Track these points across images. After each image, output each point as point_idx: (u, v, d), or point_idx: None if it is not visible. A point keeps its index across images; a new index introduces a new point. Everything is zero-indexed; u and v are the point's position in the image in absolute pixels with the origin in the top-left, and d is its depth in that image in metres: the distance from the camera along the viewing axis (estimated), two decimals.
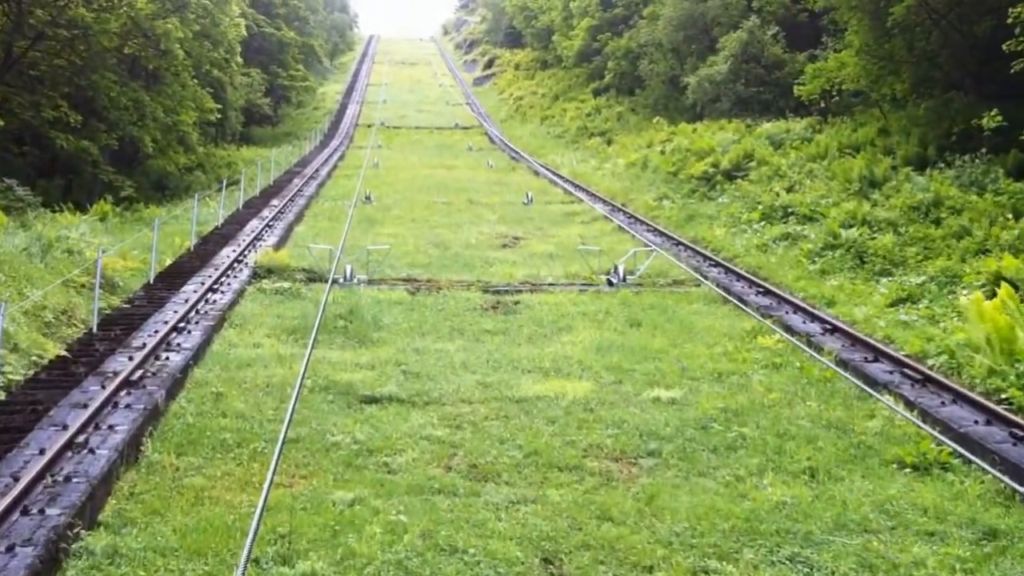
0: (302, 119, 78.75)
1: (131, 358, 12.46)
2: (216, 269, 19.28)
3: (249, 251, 21.81)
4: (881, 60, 25.27)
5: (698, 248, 22.65)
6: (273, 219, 26.82)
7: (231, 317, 16.19)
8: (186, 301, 16.30)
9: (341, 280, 19.19)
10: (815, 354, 12.57)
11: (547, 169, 43.87)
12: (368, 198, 33.19)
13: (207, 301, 16.57)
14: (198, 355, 13.61)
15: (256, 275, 19.44)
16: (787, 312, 16.24)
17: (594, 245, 25.06)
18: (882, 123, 26.80)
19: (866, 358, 13.50)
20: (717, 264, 20.64)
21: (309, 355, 11.85)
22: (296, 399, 9.59)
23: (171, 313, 15.42)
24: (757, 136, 30.53)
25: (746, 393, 12.60)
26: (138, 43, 33.31)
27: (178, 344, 13.67)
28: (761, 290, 17.83)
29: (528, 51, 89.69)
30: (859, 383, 10.68)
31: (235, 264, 20.05)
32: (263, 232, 24.49)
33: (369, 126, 68.85)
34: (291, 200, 31.35)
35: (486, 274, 20.93)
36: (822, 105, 30.86)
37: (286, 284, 18.57)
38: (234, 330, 15.55)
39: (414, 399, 12.32)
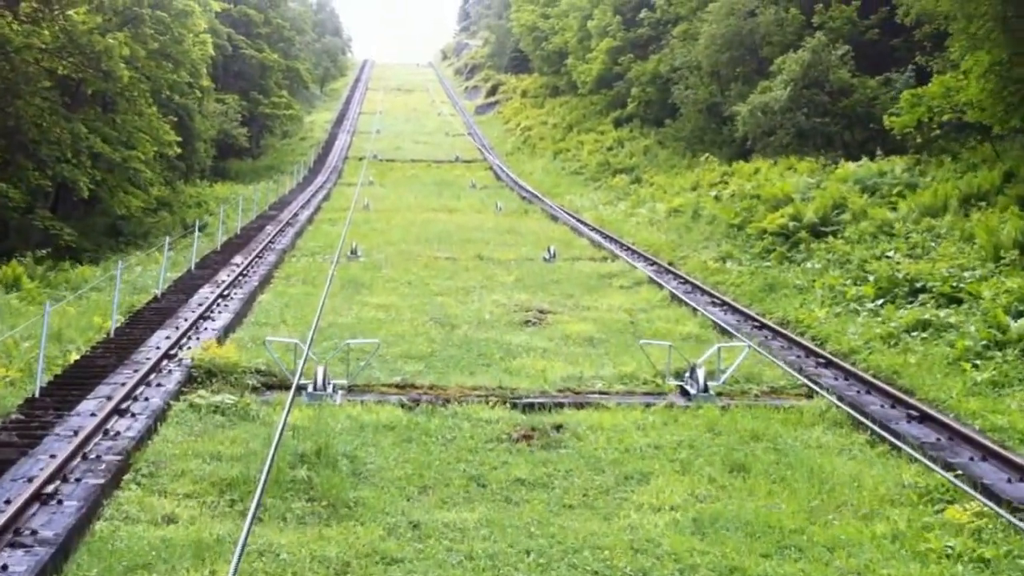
0: (287, 151, 74.67)
1: None
2: (136, 371, 14.59)
3: (189, 338, 17.13)
4: (1018, 84, 20.74)
5: (792, 335, 17.93)
6: (231, 285, 22.18)
7: (139, 461, 11.45)
8: (75, 433, 11.62)
9: (310, 388, 14.49)
10: None
11: (566, 213, 39.34)
12: (355, 251, 28.57)
13: (107, 433, 11.86)
14: (66, 549, 8.92)
15: (192, 379, 14.75)
16: (972, 458, 11.49)
17: (643, 320, 20.50)
18: (1008, 164, 22.23)
19: None
20: (828, 363, 15.92)
21: (242, 548, 7.27)
22: None
23: (43, 461, 10.72)
24: (840, 179, 25.93)
25: None
26: (74, 62, 28.84)
27: (33, 532, 8.97)
28: (913, 412, 13.08)
29: (536, 76, 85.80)
30: None
31: (164, 361, 15.35)
32: (214, 306, 19.83)
33: (360, 159, 64.61)
34: (259, 256, 26.73)
35: (509, 373, 16.22)
36: (918, 140, 26.31)
37: (231, 397, 13.82)
38: (138, 488, 10.82)
39: None
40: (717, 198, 29.51)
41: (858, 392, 14.28)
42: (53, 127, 28.44)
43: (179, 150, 36.29)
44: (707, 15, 44.14)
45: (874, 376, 15.06)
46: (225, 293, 21.07)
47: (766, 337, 17.99)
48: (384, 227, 35.84)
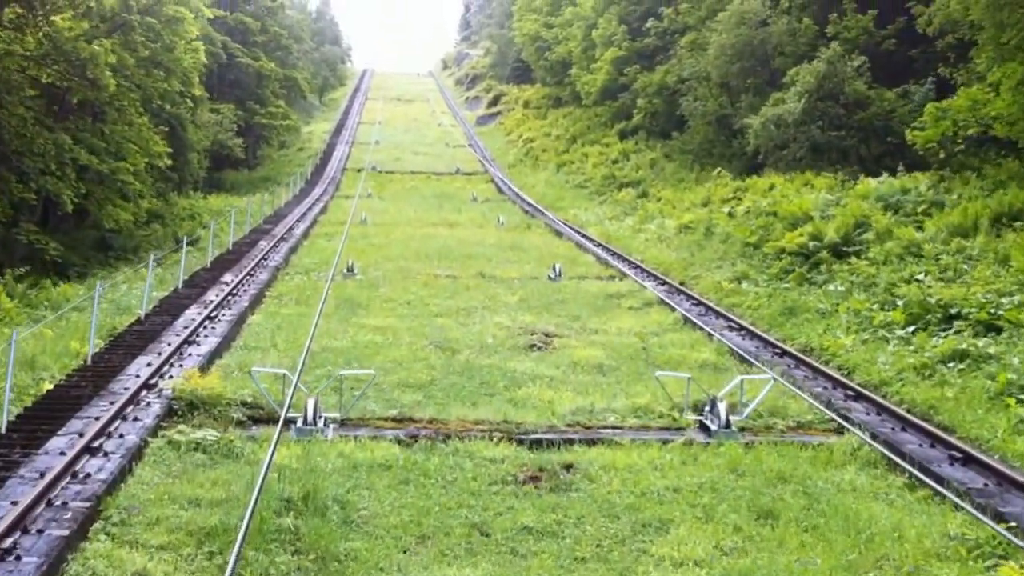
0: (284, 162, 73.97)
1: None
2: (112, 402, 13.72)
3: (172, 365, 16.26)
4: None
5: (817, 364, 17.05)
6: (220, 305, 21.32)
7: (109, 507, 10.57)
8: (41, 476, 10.77)
9: (300, 423, 13.61)
10: None
11: (571, 228, 38.50)
12: (351, 269, 27.72)
13: (76, 475, 10.99)
14: None
15: (172, 413, 13.88)
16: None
17: (656, 345, 19.65)
18: None
19: None
20: (858, 395, 15.03)
21: None
22: None
23: (3, 508, 9.87)
24: (860, 196, 25.05)
25: None
26: (58, 70, 28.03)
27: None
28: (956, 453, 12.19)
29: (538, 87, 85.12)
30: None
31: (143, 392, 14.48)
32: (201, 329, 18.96)
33: (359, 170, 63.89)
34: (250, 274, 25.88)
35: (515, 404, 15.36)
36: (941, 155, 25.47)
37: (213, 433, 12.94)
38: (108, 540, 9.94)
39: None
40: (731, 215, 28.63)
41: (893, 429, 13.39)
42: (36, 138, 27.61)
43: (170, 161, 35.41)
44: (716, 24, 43.40)
45: (908, 410, 14.18)
46: (213, 314, 20.20)
47: (788, 366, 17.10)
48: (382, 242, 35.03)
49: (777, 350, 18.28)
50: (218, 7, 66.28)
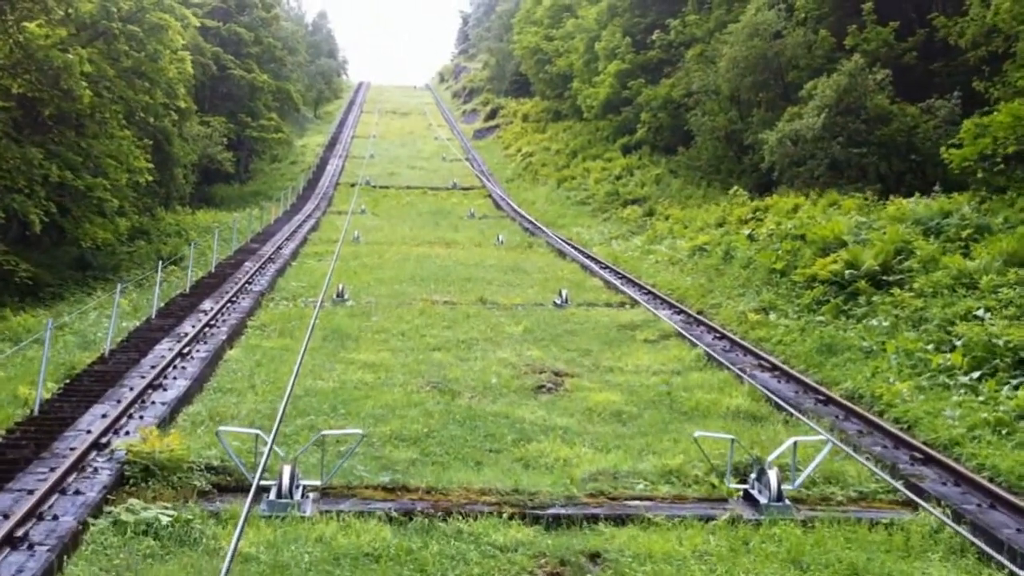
0: (276, 176, 71.80)
1: None
2: (53, 467, 11.54)
3: (131, 416, 14.06)
4: None
5: (871, 416, 14.85)
6: (195, 339, 19.13)
7: None
8: None
9: (273, 494, 11.40)
10: None
11: (574, 248, 36.34)
12: (341, 295, 25.56)
13: None
14: None
15: (124, 480, 11.68)
16: None
17: (679, 386, 17.51)
18: None
19: None
20: (927, 458, 12.84)
21: None
22: None
23: None
24: (894, 219, 22.87)
25: None
26: (29, 80, 25.87)
27: None
28: None
29: (537, 100, 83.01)
30: None
31: (92, 454, 12.28)
32: (170, 368, 16.77)
33: (352, 185, 61.62)
34: (232, 301, 23.67)
35: (525, 465, 13.21)
36: (978, 175, 23.34)
37: (169, 512, 10.72)
38: None
39: None
40: (751, 237, 26.39)
41: (979, 506, 11.21)
42: (4, 152, 25.42)
43: (150, 177, 33.21)
44: (727, 37, 41.34)
45: (991, 479, 12.00)
46: (186, 350, 17.99)
47: (837, 417, 14.92)
48: (375, 263, 32.86)
49: (820, 396, 16.10)
50: (211, 17, 64.36)
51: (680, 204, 41.25)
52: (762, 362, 18.57)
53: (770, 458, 12.13)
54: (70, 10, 28.90)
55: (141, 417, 13.97)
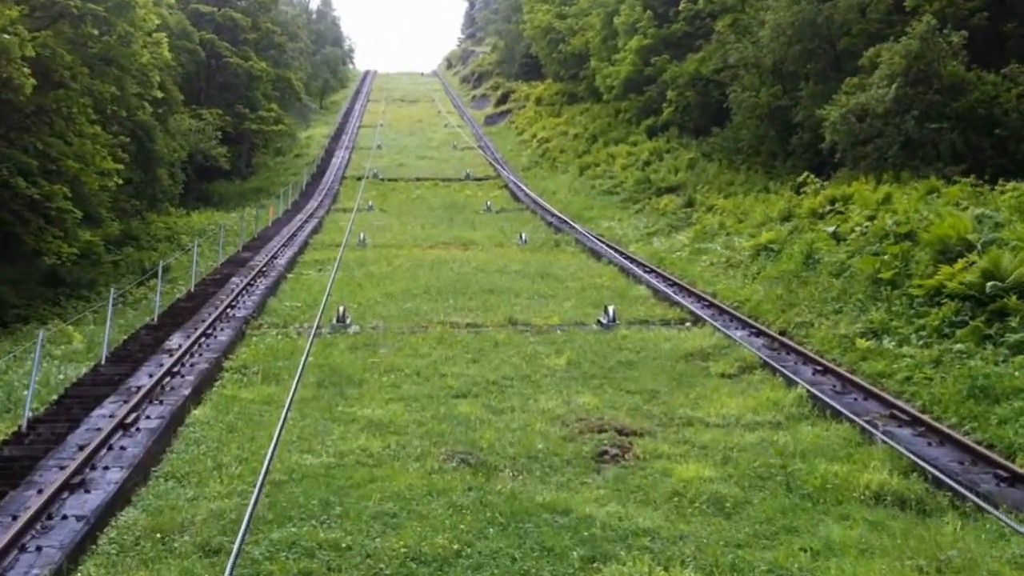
0: (280, 170, 67.25)
1: None
2: None
3: (24, 549, 9.47)
4: None
5: None
6: (149, 395, 14.54)
7: None
8: None
9: None
10: None
11: (609, 247, 31.56)
12: (342, 319, 20.93)
13: None
14: None
15: None
16: None
17: (790, 447, 12.93)
18: None
19: None
20: None
21: None
22: None
23: None
24: (1015, 209, 18.12)
25: None
26: None
27: None
28: None
29: (550, 83, 78.10)
30: None
31: None
32: (103, 452, 12.15)
33: (359, 178, 56.96)
34: (207, 334, 19.04)
35: None
36: None
37: None
38: None
39: None
40: (836, 236, 21.60)
41: None
42: None
43: (120, 180, 28.57)
44: (768, 2, 36.52)
45: None
46: (131, 418, 13.36)
47: None
48: (384, 272, 28.25)
49: (1001, 472, 11.40)
50: (205, 3, 59.78)
51: (721, 191, 36.52)
52: (895, 411, 13.85)
53: None
54: None
55: (39, 549, 9.39)
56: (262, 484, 10.42)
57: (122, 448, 12.15)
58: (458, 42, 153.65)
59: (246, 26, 62.32)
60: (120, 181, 28.55)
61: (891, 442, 12.32)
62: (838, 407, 13.98)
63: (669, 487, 11.77)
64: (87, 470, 11.34)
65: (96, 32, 28.59)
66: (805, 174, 28.80)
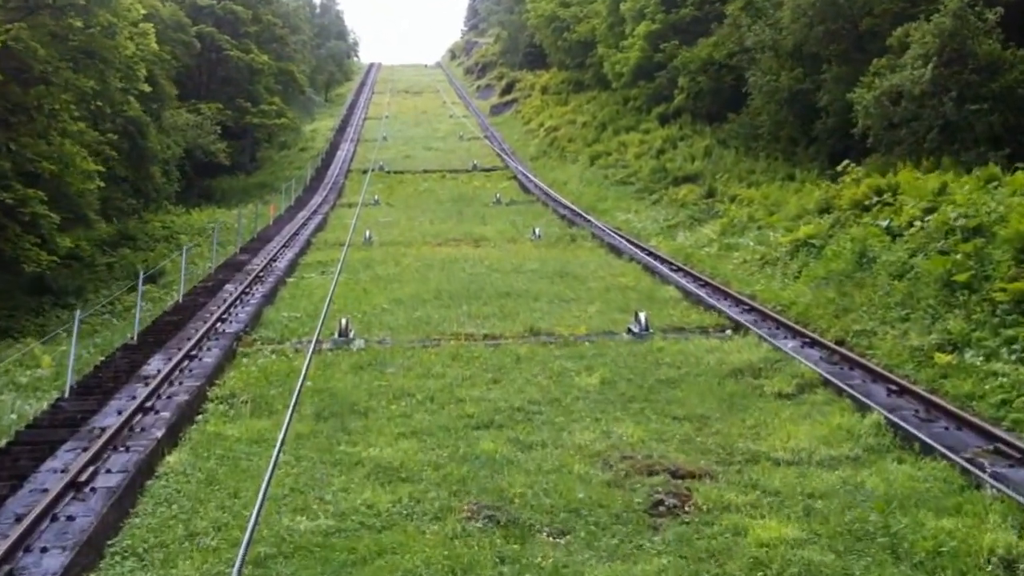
0: (284, 164, 64.80)
1: None
2: None
3: None
4: None
5: None
6: (115, 438, 12.05)
7: None
8: None
9: None
10: None
11: (629, 242, 28.92)
12: (345, 332, 18.38)
13: None
14: None
15: None
16: None
17: (876, 491, 10.49)
18: None
19: None
20: None
21: None
22: None
23: None
24: None
25: None
26: None
27: None
28: None
29: (555, 71, 75.33)
30: None
31: None
32: (43, 525, 9.67)
33: (364, 171, 54.36)
34: (192, 355, 16.52)
35: None
36: None
37: None
38: None
39: None
40: (890, 232, 19.01)
41: None
42: None
43: (101, 183, 26.07)
44: None
45: None
46: (85, 477, 10.82)
47: None
48: (391, 273, 25.76)
49: None
50: None
51: (741, 180, 33.94)
52: (998, 445, 11.33)
53: None
54: None
55: None
56: (242, 564, 8.01)
57: (69, 519, 9.64)
58: (461, 34, 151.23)
59: (247, 19, 59.78)
60: (102, 184, 25.99)
61: (1007, 490, 9.83)
62: (926, 439, 11.47)
63: (747, 554, 9.29)
64: (19, 554, 8.85)
65: (80, 24, 26.05)
66: (845, 162, 26.11)
